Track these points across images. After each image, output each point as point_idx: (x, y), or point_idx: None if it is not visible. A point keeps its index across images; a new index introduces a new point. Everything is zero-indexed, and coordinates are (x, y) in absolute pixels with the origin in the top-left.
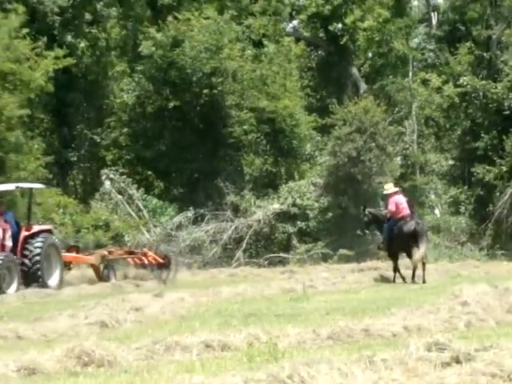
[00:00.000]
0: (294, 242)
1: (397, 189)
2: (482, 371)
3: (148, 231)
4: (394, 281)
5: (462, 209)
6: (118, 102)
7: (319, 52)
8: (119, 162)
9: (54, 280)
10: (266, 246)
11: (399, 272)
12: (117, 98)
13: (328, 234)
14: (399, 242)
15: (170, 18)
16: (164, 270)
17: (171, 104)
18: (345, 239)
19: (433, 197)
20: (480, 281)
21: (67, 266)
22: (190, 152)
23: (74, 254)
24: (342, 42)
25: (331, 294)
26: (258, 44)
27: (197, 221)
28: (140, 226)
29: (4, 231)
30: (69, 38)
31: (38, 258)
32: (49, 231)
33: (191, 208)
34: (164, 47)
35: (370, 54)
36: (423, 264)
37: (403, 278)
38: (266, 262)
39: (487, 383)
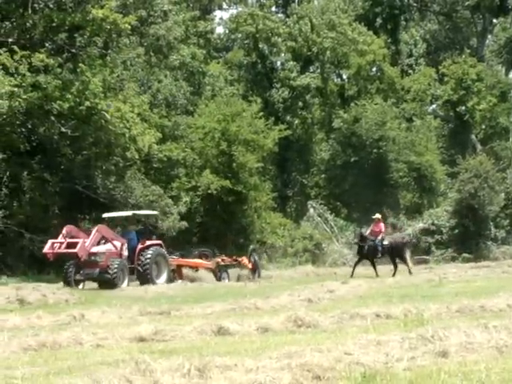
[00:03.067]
0: (433, 248)
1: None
2: None
3: (337, 241)
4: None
5: None
6: (318, 158)
7: (449, 125)
8: (319, 196)
9: (162, 279)
10: (414, 251)
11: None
12: (317, 155)
13: (455, 243)
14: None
15: (352, 104)
16: (253, 272)
17: (352, 159)
18: (466, 246)
19: None
20: None
21: (195, 269)
22: (364, 190)
23: (199, 261)
24: (464, 119)
25: (458, 283)
26: (409, 120)
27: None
28: (332, 238)
29: (122, 244)
30: (288, 117)
31: (147, 264)
32: (159, 245)
33: (365, 226)
34: (348, 122)
35: (484, 126)
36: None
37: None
38: (414, 261)
39: None
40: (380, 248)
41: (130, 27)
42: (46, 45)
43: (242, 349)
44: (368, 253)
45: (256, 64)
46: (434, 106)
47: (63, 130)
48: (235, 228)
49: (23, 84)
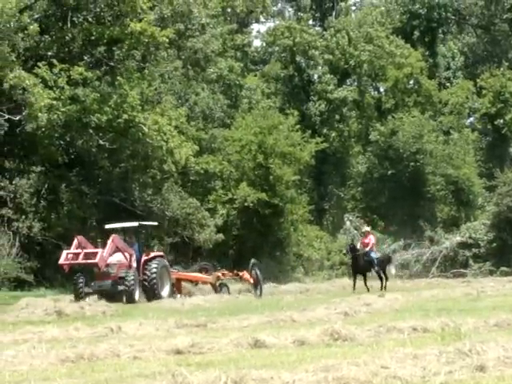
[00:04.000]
0: (470, 262)
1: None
2: None
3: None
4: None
5: None
6: (355, 171)
7: (487, 138)
8: (355, 209)
9: (165, 292)
10: (452, 264)
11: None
12: (354, 168)
13: (493, 257)
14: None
15: (389, 117)
16: (254, 287)
17: (389, 172)
18: (504, 260)
19: None
20: None
21: (195, 283)
22: (401, 203)
23: (199, 274)
24: (503, 132)
25: (496, 297)
26: (447, 133)
27: (405, 247)
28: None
29: (131, 256)
30: (324, 130)
31: (154, 276)
32: (161, 256)
33: (402, 239)
34: (385, 135)
35: None
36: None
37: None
38: (451, 275)
39: None
40: (376, 261)
41: (167, 40)
42: (85, 58)
43: (279, 362)
44: (363, 267)
45: (293, 77)
46: (471, 119)
47: (101, 142)
48: (271, 241)
49: (62, 97)
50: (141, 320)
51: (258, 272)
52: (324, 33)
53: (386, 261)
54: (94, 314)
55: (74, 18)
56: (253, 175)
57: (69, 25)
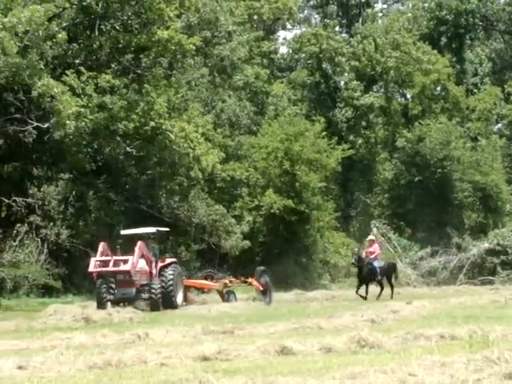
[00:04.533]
0: (498, 269)
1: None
2: None
3: (400, 261)
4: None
5: None
6: (382, 177)
7: None
8: (382, 215)
9: (179, 299)
10: (479, 271)
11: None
12: (381, 174)
13: None
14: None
15: (416, 123)
16: (264, 294)
17: (416, 178)
18: None
19: None
20: None
21: (202, 290)
22: (428, 209)
23: (205, 282)
24: None
25: None
26: (474, 139)
27: (433, 254)
28: (395, 258)
29: (151, 263)
30: (351, 137)
31: (171, 283)
32: (176, 263)
33: (429, 246)
34: (412, 142)
35: None
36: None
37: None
38: (479, 282)
39: None
40: (378, 270)
41: (194, 48)
42: (112, 66)
43: (305, 369)
44: (365, 276)
45: (319, 84)
46: (499, 125)
47: (128, 149)
48: (298, 247)
49: (90, 104)
50: (168, 327)
51: (268, 279)
52: (350, 39)
53: (390, 269)
54: (121, 321)
55: (102, 26)
56: (279, 182)
57: (96, 33)
